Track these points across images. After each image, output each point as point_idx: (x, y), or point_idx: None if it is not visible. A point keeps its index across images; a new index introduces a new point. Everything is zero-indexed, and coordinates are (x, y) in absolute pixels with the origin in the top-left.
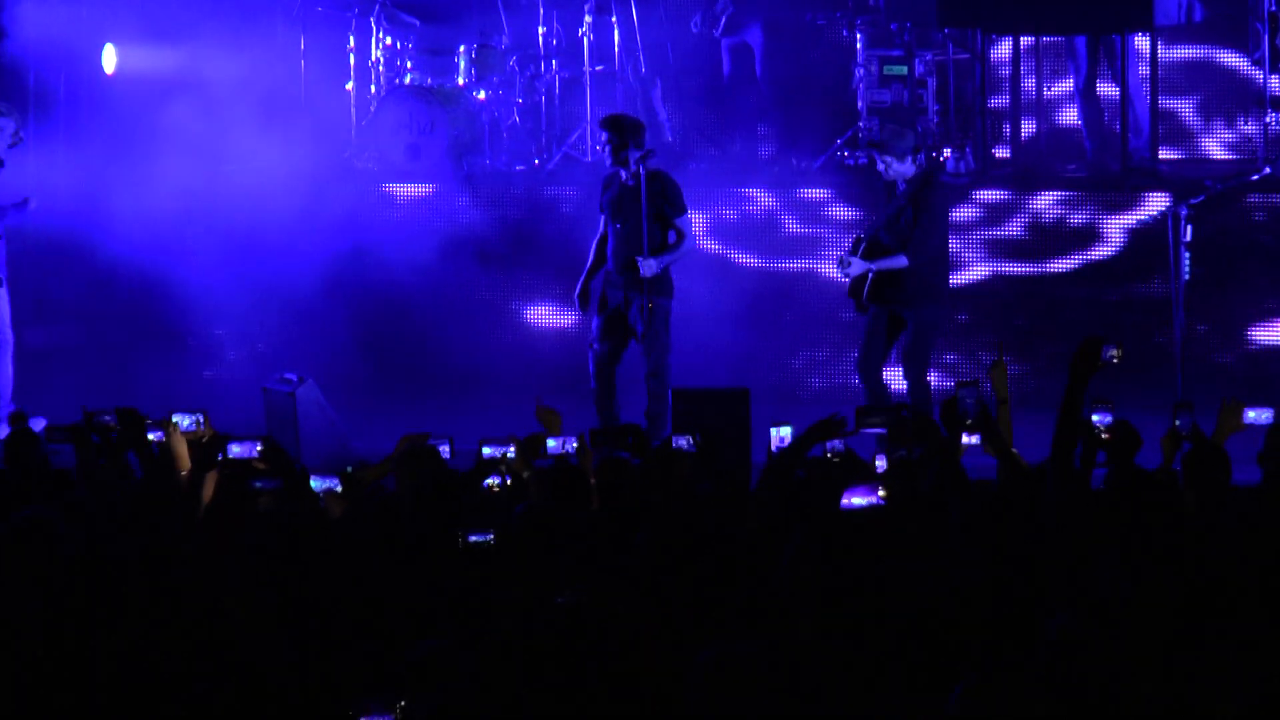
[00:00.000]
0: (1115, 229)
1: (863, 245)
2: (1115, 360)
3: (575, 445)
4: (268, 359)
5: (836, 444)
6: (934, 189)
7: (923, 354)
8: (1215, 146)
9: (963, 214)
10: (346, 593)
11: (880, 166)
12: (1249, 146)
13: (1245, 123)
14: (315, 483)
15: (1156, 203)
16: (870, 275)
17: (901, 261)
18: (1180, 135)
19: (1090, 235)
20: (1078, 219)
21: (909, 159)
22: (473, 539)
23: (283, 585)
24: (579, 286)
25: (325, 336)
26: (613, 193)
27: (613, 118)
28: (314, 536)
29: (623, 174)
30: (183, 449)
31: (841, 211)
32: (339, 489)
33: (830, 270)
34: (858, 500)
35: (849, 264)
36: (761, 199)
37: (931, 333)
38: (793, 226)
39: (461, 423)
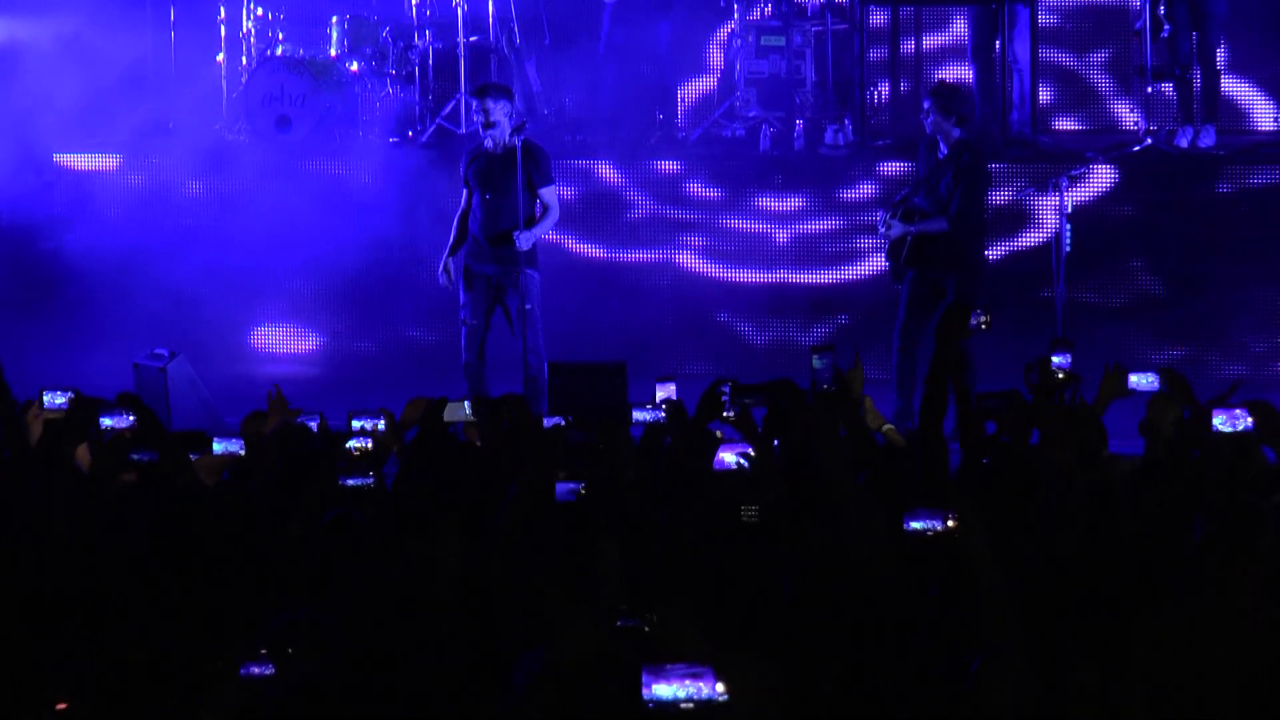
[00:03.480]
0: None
1: (900, 208)
2: (984, 327)
3: (467, 413)
4: (139, 334)
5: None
6: (977, 155)
7: None
8: (1122, 109)
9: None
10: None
11: (928, 119)
12: (1159, 106)
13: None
14: (218, 445)
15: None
16: (909, 238)
17: (941, 225)
18: (1082, 98)
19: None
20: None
21: (953, 119)
22: (350, 483)
23: (158, 553)
24: (443, 260)
25: (198, 311)
26: (479, 164)
27: (495, 85)
28: (188, 506)
29: (488, 145)
30: (36, 426)
31: (701, 189)
32: (242, 453)
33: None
34: (729, 458)
35: (890, 226)
36: (638, 168)
37: (972, 301)
38: (667, 196)
39: (333, 399)
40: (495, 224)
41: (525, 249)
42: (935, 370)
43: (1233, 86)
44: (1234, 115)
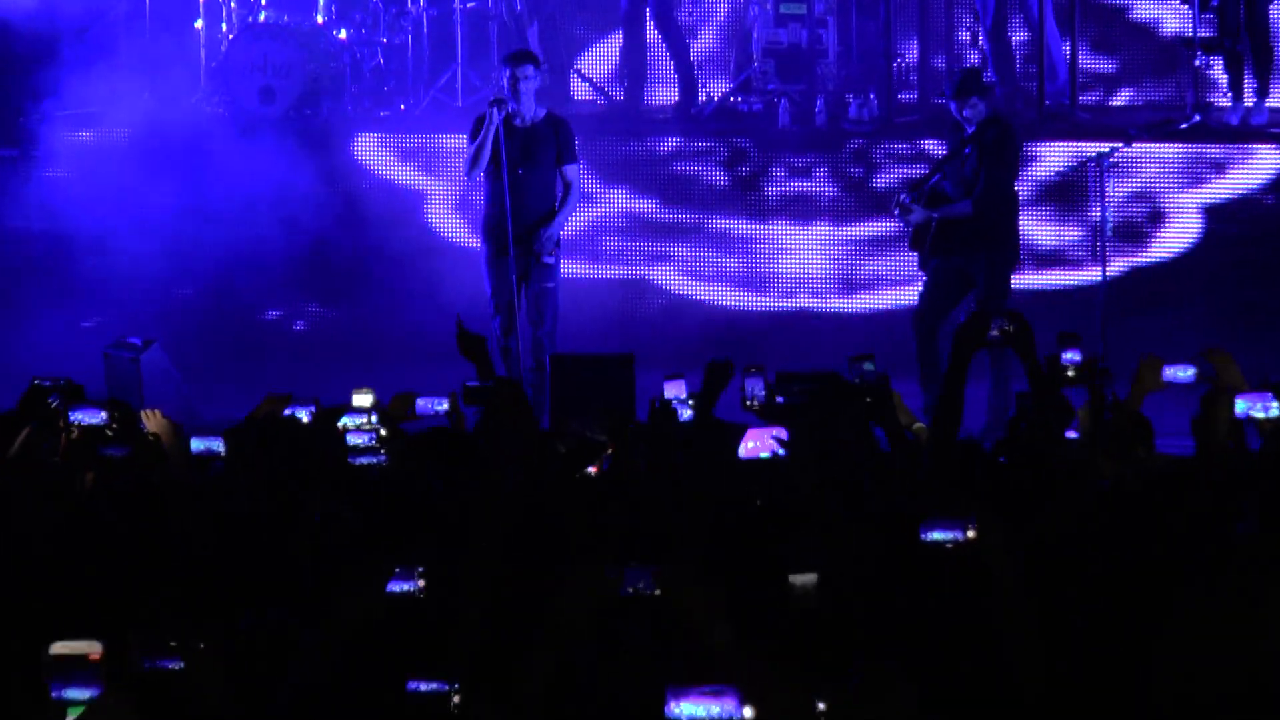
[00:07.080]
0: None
1: (924, 191)
2: (1005, 334)
3: (445, 406)
4: (110, 322)
5: (758, 391)
6: (1003, 132)
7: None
8: (1170, 83)
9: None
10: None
11: (959, 110)
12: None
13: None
14: (196, 443)
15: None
16: (933, 225)
17: (966, 209)
18: (1126, 71)
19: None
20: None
21: (986, 100)
22: (361, 461)
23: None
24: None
25: (169, 297)
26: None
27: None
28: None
29: (515, 119)
30: None
31: (707, 173)
32: (221, 450)
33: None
34: (762, 445)
35: (910, 210)
36: (654, 145)
37: (1006, 285)
38: (679, 171)
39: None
40: (526, 200)
41: (557, 237)
42: (950, 378)
43: None
44: None
